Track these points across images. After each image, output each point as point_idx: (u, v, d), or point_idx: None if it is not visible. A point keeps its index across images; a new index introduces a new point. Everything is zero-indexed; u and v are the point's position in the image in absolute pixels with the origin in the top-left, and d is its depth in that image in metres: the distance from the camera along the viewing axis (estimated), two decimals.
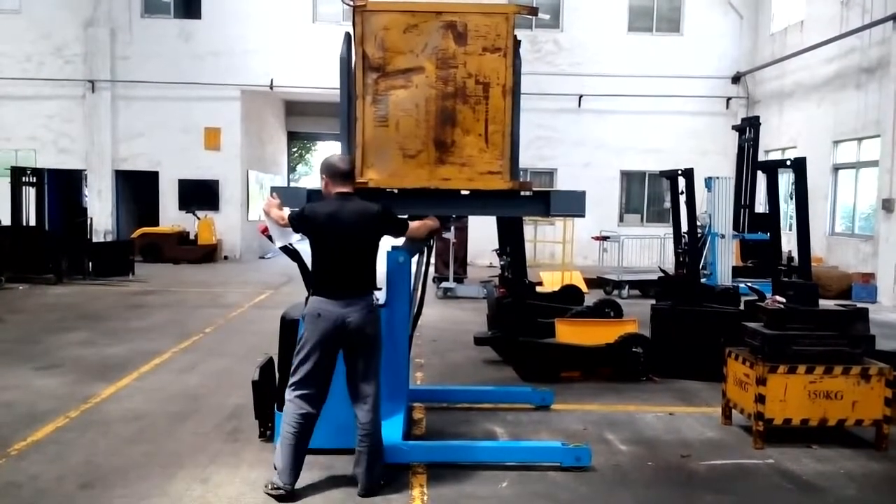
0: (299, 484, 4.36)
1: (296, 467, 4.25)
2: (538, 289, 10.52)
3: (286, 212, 4.47)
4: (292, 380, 4.28)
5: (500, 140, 4.68)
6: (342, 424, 4.82)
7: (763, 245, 10.27)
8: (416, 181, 4.70)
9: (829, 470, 4.88)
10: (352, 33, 4.69)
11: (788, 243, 10.25)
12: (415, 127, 4.65)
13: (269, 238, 5.04)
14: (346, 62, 4.82)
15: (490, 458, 4.80)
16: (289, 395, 4.28)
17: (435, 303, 12.05)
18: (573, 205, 4.98)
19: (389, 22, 4.56)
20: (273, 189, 4.84)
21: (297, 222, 4.34)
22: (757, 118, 9.05)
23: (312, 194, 4.78)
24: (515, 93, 4.70)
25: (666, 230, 13.82)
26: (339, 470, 4.61)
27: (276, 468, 4.25)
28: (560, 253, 15.12)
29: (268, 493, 4.20)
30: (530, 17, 5.04)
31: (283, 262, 15.38)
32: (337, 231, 4.22)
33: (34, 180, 14.41)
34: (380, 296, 5.12)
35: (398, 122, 4.64)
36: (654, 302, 8.08)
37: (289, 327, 4.93)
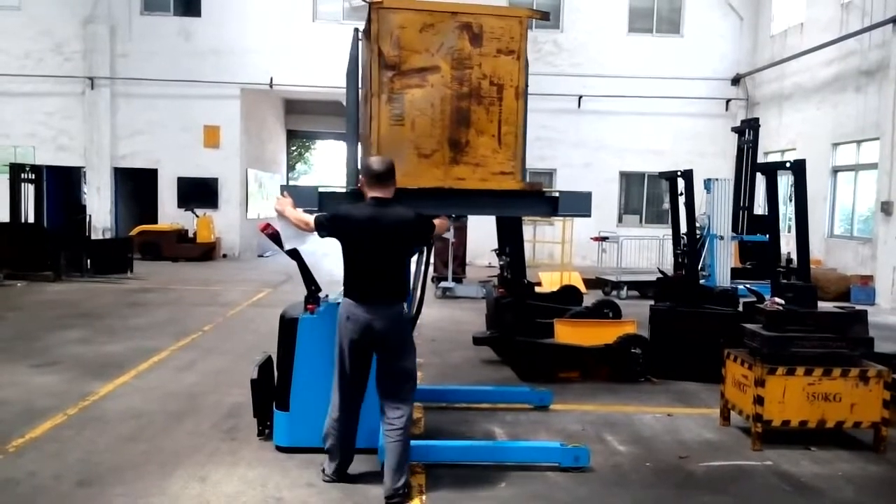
0: (296, 483, 4.36)
1: (344, 460, 4.45)
2: (537, 289, 10.52)
3: (302, 213, 4.39)
4: (337, 380, 4.36)
5: (513, 141, 4.75)
6: None
7: (762, 247, 10.27)
8: (431, 181, 4.69)
9: (827, 472, 4.89)
10: (363, 31, 4.67)
11: (787, 245, 10.27)
12: (430, 126, 4.65)
13: (270, 237, 5.02)
14: (354, 60, 4.81)
15: (488, 459, 4.80)
16: (332, 399, 4.39)
17: (434, 303, 12.04)
18: (580, 205, 5.03)
19: (406, 20, 4.56)
20: (284, 188, 4.78)
21: (329, 225, 4.26)
22: (756, 120, 9.06)
23: (325, 196, 4.74)
24: (525, 95, 4.78)
25: (665, 231, 13.83)
26: None
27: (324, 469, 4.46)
28: (559, 253, 15.13)
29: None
30: (543, 20, 5.10)
31: (281, 260, 15.35)
32: (372, 237, 4.16)
33: (33, 177, 14.41)
34: None
35: (414, 121, 4.62)
36: (652, 303, 8.07)
37: (288, 326, 4.92)
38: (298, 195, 4.68)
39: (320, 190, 4.87)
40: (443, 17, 4.61)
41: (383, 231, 4.17)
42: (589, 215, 5.01)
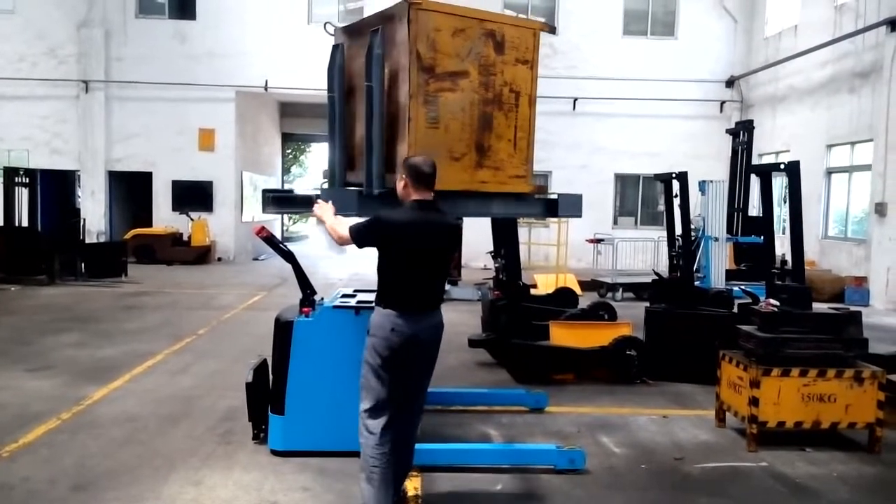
0: (292, 487, 4.35)
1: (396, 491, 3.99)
2: (532, 291, 10.52)
3: (340, 223, 4.06)
4: (365, 406, 3.89)
5: (525, 146, 4.93)
6: (335, 426, 4.82)
7: (756, 248, 10.29)
8: (459, 184, 4.70)
9: (822, 473, 4.90)
10: (377, 32, 4.61)
11: (782, 247, 10.28)
12: (460, 130, 4.69)
13: (264, 240, 5.03)
14: (341, 57, 4.82)
15: (484, 461, 4.80)
16: (365, 423, 3.88)
17: None
18: (575, 207, 5.30)
19: (441, 23, 4.56)
20: (321, 194, 4.43)
21: (370, 233, 3.87)
22: (751, 122, 9.10)
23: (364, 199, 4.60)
24: (535, 103, 4.97)
25: (660, 233, 13.85)
26: (331, 472, 4.60)
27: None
28: (554, 255, 15.13)
29: None
30: (550, 33, 5.19)
31: (277, 263, 15.35)
32: (420, 243, 3.87)
33: (27, 181, 14.37)
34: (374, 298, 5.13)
35: (447, 124, 4.64)
36: (648, 305, 8.08)
37: (283, 329, 4.92)
38: (338, 200, 4.42)
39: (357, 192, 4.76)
40: (472, 24, 4.67)
41: (430, 236, 3.91)
42: (580, 216, 5.22)
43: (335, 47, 4.99)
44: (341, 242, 3.99)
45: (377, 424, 3.85)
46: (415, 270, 3.88)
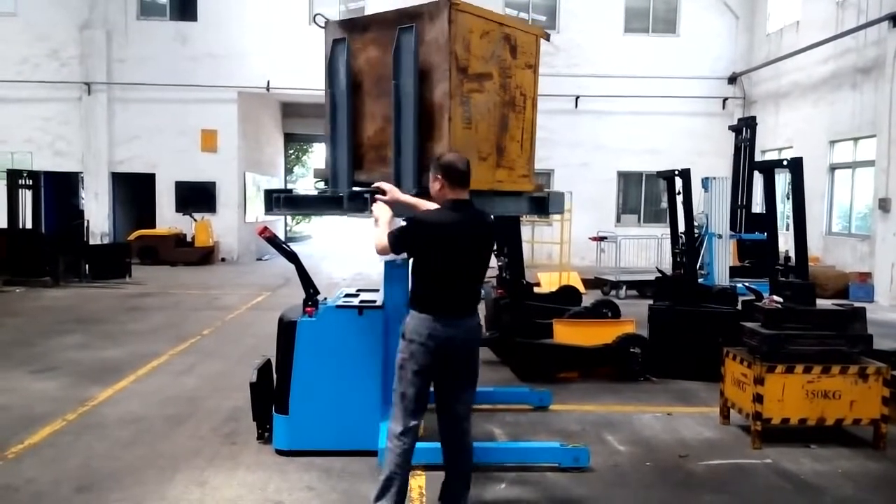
0: (296, 487, 4.36)
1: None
2: (536, 289, 10.52)
3: (385, 230, 3.84)
4: (396, 410, 3.82)
5: (529, 147, 5.10)
6: (339, 425, 4.83)
7: (760, 245, 10.27)
8: (483, 183, 4.68)
9: (827, 469, 4.89)
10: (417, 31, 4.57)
11: (785, 243, 10.23)
12: (487, 131, 4.73)
13: (267, 240, 5.03)
14: (346, 58, 4.75)
15: (488, 459, 4.79)
16: (393, 426, 3.83)
17: None
18: (559, 204, 5.55)
19: (473, 25, 4.57)
20: (377, 205, 4.07)
21: (408, 236, 3.75)
22: (753, 118, 9.05)
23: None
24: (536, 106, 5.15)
25: (663, 230, 13.83)
26: (336, 472, 4.60)
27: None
28: (557, 254, 15.13)
29: None
30: (546, 41, 5.27)
31: (280, 263, 15.36)
32: (460, 246, 3.75)
33: (30, 183, 14.38)
34: (377, 298, 5.13)
35: (477, 125, 4.66)
36: (651, 302, 8.07)
37: (286, 329, 4.92)
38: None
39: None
40: (494, 27, 4.72)
41: (469, 237, 3.78)
42: (562, 212, 5.45)
43: (336, 42, 4.82)
44: (381, 251, 3.83)
45: (405, 428, 3.80)
46: (453, 273, 3.76)
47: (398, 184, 4.37)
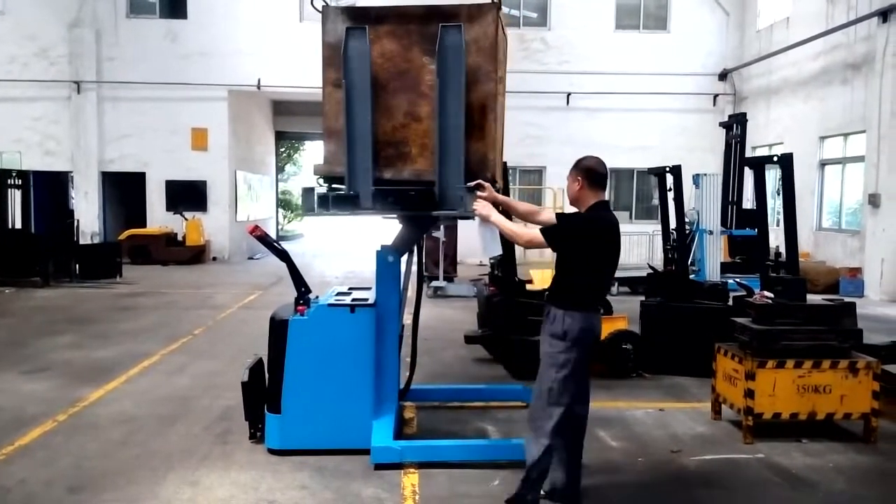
0: (289, 486, 4.35)
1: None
2: (528, 287, 10.51)
3: (506, 222, 4.17)
4: (565, 400, 3.93)
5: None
6: (332, 424, 4.83)
7: (751, 241, 10.31)
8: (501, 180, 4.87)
9: (818, 463, 4.92)
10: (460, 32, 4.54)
11: (776, 239, 10.32)
12: (501, 130, 4.83)
13: (258, 238, 5.02)
14: (366, 49, 4.52)
15: (482, 457, 4.80)
16: (563, 414, 3.93)
17: (425, 302, 11.94)
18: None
19: (503, 28, 4.67)
20: (479, 202, 4.30)
21: (575, 233, 3.95)
22: (744, 115, 9.11)
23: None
24: None
25: (654, 227, 13.87)
26: (328, 470, 4.60)
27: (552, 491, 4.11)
28: (549, 251, 15.12)
29: None
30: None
31: (272, 262, 15.33)
32: (618, 244, 4.00)
33: (20, 183, 14.29)
34: (369, 296, 5.13)
35: (500, 124, 4.75)
36: (643, 298, 8.09)
37: (278, 328, 4.91)
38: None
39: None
40: (501, 32, 4.77)
41: (618, 235, 4.01)
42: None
43: (352, 30, 4.49)
44: (528, 244, 4.10)
45: (563, 424, 3.94)
46: (612, 271, 4.07)
47: (445, 183, 4.43)
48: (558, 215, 4.20)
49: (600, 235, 3.93)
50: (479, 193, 4.30)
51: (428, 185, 4.49)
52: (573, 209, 4.13)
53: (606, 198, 4.04)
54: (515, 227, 4.12)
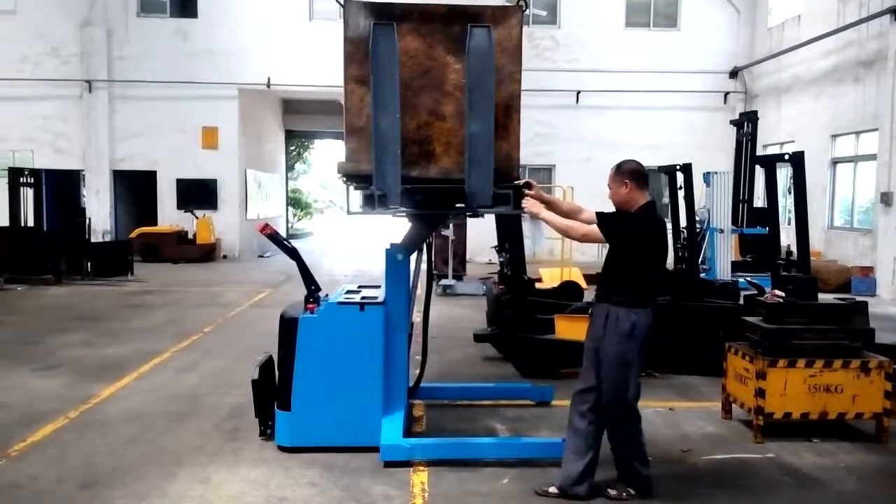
0: (299, 483, 4.36)
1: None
2: (537, 285, 10.50)
3: (558, 217, 4.32)
4: (632, 393, 4.21)
5: None
6: (341, 421, 4.84)
7: (762, 239, 10.25)
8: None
9: (829, 463, 4.89)
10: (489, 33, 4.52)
11: (787, 237, 10.26)
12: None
13: (268, 237, 5.03)
14: (394, 46, 4.45)
15: (491, 455, 4.80)
16: (630, 411, 4.25)
17: (434, 300, 11.98)
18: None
19: (521, 27, 4.70)
20: (527, 200, 4.45)
21: (633, 229, 4.15)
22: (755, 113, 9.06)
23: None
24: None
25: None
26: (338, 467, 4.61)
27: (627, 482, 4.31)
28: (559, 249, 15.10)
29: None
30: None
31: (282, 260, 15.37)
32: (666, 242, 4.22)
33: (32, 181, 14.40)
34: (378, 294, 5.14)
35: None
36: None
37: (288, 326, 4.92)
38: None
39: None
40: None
41: (666, 234, 4.21)
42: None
43: (379, 25, 4.38)
44: (585, 238, 4.21)
45: (631, 416, 4.25)
46: (660, 268, 4.27)
47: (476, 181, 4.44)
48: (609, 214, 4.31)
49: (658, 233, 4.12)
50: (527, 192, 4.43)
51: (457, 183, 4.47)
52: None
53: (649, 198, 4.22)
54: (569, 223, 4.27)
